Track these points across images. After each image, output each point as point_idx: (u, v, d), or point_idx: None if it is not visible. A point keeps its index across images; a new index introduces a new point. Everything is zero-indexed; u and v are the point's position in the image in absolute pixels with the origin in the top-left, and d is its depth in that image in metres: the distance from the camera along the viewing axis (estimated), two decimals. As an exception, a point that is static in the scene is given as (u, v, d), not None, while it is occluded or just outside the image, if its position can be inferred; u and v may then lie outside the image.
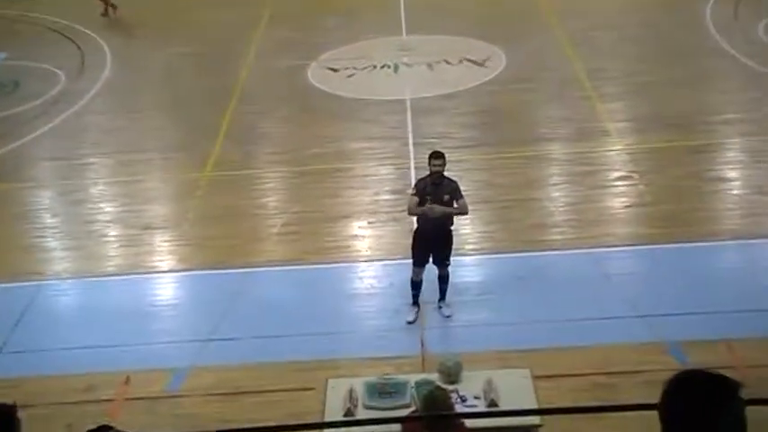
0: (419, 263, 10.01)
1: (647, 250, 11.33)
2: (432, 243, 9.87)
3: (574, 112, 15.07)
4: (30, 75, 18.39)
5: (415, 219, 9.99)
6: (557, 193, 12.76)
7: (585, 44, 17.89)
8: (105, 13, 21.91)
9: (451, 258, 10.03)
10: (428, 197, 9.60)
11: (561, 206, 12.34)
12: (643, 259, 11.25)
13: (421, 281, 10.11)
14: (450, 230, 9.90)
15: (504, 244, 11.58)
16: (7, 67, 18.96)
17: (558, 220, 11.99)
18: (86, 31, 20.80)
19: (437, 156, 9.65)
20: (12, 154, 14.99)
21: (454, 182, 9.80)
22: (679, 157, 13.33)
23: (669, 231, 11.58)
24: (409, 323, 10.05)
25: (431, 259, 10.00)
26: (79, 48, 19.85)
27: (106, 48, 19.70)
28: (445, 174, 9.71)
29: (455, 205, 9.67)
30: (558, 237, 11.65)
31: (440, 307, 10.16)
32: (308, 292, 10.83)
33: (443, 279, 10.12)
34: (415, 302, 10.20)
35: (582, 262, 11.01)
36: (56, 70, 18.48)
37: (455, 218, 9.94)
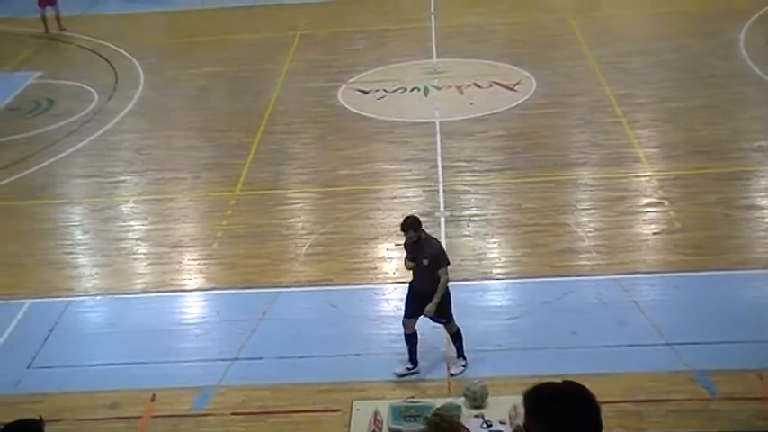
0: (408, 314, 9.53)
1: (676, 278, 11.23)
2: (422, 299, 9.34)
3: (604, 138, 15.01)
4: (64, 93, 18.67)
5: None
6: (586, 219, 12.69)
7: (616, 69, 17.85)
8: (62, 28, 22.66)
9: (452, 314, 9.47)
10: (409, 255, 9.32)
11: (590, 232, 12.28)
12: (672, 287, 11.15)
13: (414, 333, 9.58)
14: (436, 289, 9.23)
15: (532, 268, 11.53)
16: (42, 86, 19.25)
17: (587, 245, 11.92)
18: (120, 50, 21.10)
19: (405, 229, 9.21)
20: (45, 171, 15.18)
21: (436, 248, 9.30)
22: (710, 185, 13.23)
23: (699, 259, 11.48)
24: (397, 375, 9.57)
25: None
26: (113, 67, 20.12)
27: (139, 67, 19.95)
28: (430, 235, 9.38)
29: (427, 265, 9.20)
30: (587, 262, 11.58)
31: (456, 362, 9.71)
32: (335, 314, 10.83)
33: (453, 337, 9.66)
34: (412, 359, 9.61)
35: (610, 288, 10.93)
36: (89, 89, 18.74)
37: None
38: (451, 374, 9.61)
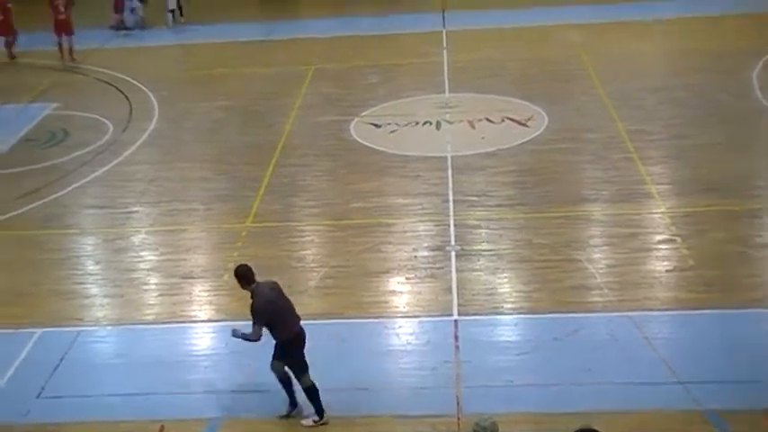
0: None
1: (688, 315, 11.15)
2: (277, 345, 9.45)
3: (616, 174, 15.00)
4: (79, 124, 18.82)
5: None
6: (597, 255, 12.65)
7: (629, 106, 17.88)
8: (73, 59, 23.49)
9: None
10: None
11: (602, 268, 12.22)
12: (684, 324, 11.07)
13: (285, 377, 9.51)
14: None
15: (543, 304, 11.48)
16: (58, 117, 19.40)
17: (599, 282, 11.86)
18: (135, 82, 21.30)
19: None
20: (58, 201, 15.25)
21: (254, 301, 9.16)
22: (723, 222, 13.18)
23: (712, 297, 11.41)
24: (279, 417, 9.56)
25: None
26: (128, 99, 20.30)
27: (154, 99, 20.12)
28: (262, 286, 9.25)
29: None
30: (598, 299, 11.52)
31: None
32: (345, 347, 10.79)
33: (303, 392, 9.50)
34: (291, 400, 9.61)
35: (621, 325, 10.86)
36: (104, 120, 18.88)
37: None
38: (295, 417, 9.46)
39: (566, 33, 23.54)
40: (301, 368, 9.33)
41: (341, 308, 11.61)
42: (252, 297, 9.21)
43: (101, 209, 15.05)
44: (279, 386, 9.51)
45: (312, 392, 9.35)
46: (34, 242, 13.91)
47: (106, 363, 10.94)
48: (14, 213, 14.84)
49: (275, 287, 9.36)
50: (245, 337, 9.24)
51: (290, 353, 9.29)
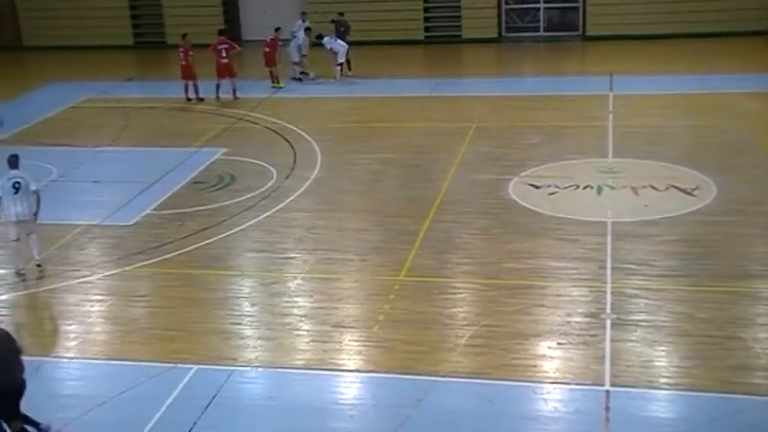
0: None
1: None
2: None
3: (788, 250, 14.25)
4: (245, 170, 19.57)
5: None
6: (763, 335, 11.95)
7: (804, 180, 17.02)
8: (234, 98, 25.23)
9: None
10: None
11: (768, 348, 11.56)
12: None
13: None
14: None
15: (702, 382, 10.93)
16: (226, 162, 20.27)
17: (764, 363, 11.20)
18: (301, 132, 22.04)
19: None
20: (221, 242, 15.84)
21: None
22: None
23: None
24: None
25: None
26: (293, 148, 20.99)
27: (317, 149, 20.73)
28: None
29: None
30: (762, 381, 10.86)
31: None
32: (491, 408, 10.60)
33: None
34: None
35: (788, 412, 10.20)
36: (269, 167, 19.57)
37: None
38: None
39: (738, 102, 22.76)
40: (13, 415, 9.78)
41: (489, 368, 11.44)
42: None
43: (260, 252, 15.51)
44: None
45: None
46: (197, 281, 14.47)
47: (255, 404, 11.17)
48: (179, 252, 15.51)
49: (5, 337, 9.74)
50: None
51: (7, 403, 9.70)
